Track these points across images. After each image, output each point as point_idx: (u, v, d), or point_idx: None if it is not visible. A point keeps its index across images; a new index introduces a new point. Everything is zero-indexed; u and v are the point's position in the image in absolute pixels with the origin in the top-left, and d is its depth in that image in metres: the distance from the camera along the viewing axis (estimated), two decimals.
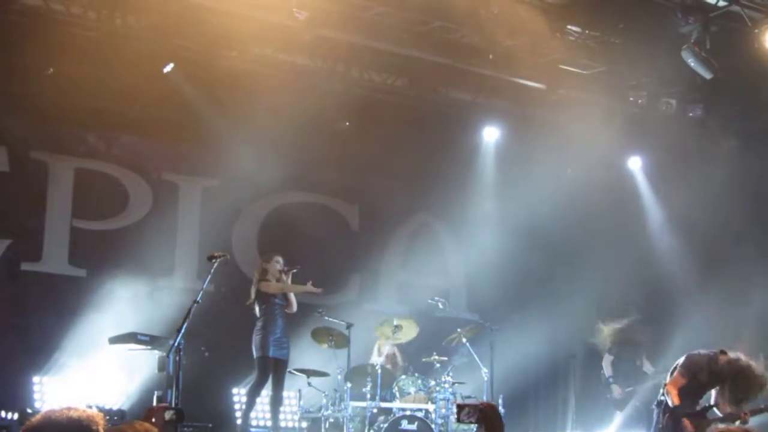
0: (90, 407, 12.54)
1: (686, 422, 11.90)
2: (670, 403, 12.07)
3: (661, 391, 12.39)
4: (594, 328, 17.58)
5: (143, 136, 17.05)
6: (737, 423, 11.69)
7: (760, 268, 17.38)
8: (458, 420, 6.27)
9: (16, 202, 16.18)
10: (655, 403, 12.54)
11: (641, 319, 17.00)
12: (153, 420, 6.61)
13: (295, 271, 14.75)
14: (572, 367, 17.30)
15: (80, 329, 15.35)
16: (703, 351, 12.25)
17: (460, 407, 6.21)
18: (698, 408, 12.10)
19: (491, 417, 6.13)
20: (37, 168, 16.49)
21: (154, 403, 14.08)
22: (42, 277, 16.27)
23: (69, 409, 4.27)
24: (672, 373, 12.24)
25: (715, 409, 12.09)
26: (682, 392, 12.06)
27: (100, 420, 4.27)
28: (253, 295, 14.55)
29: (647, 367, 16.86)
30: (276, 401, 14.67)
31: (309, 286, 14.91)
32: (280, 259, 14.81)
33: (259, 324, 14.52)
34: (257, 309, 14.54)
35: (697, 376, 12.07)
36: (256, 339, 14.45)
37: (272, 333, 14.44)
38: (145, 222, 17.10)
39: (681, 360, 12.24)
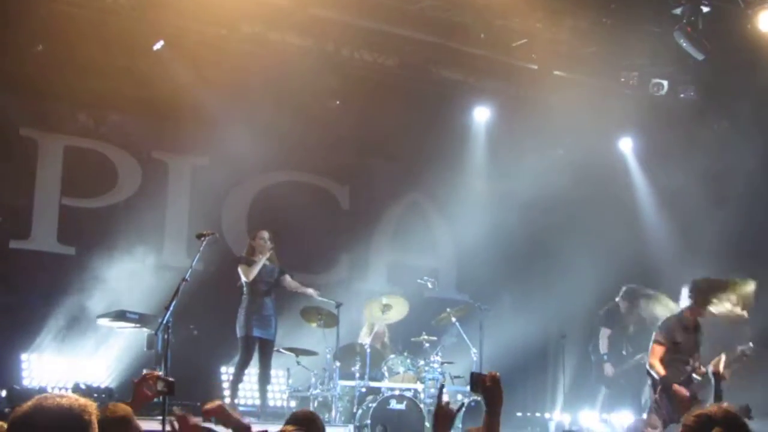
0: (78, 385, 12.60)
1: (676, 388, 12.10)
2: (656, 376, 12.23)
3: (646, 369, 12.55)
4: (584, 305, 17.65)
5: (133, 114, 17.01)
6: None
7: (749, 249, 17.44)
8: (472, 389, 6.30)
9: (5, 179, 16.14)
10: (648, 383, 12.69)
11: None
12: (144, 389, 6.59)
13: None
14: (562, 347, 17.27)
15: (69, 307, 15.36)
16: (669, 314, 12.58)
17: (475, 376, 6.26)
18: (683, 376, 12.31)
19: (494, 388, 6.16)
20: (27, 145, 16.49)
21: None
22: (30, 254, 16.27)
23: (61, 396, 4.22)
24: (650, 348, 12.46)
25: (694, 375, 12.31)
26: (665, 362, 12.28)
27: (93, 409, 4.22)
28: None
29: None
30: (263, 380, 14.71)
31: (311, 290, 15.04)
32: (265, 234, 14.80)
33: (243, 303, 14.54)
34: (244, 285, 14.55)
35: (674, 338, 12.30)
36: (240, 318, 14.48)
37: (256, 312, 14.45)
38: (135, 200, 17.10)
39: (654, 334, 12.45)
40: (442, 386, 7.28)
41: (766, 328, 14.35)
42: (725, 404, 9.08)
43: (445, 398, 6.03)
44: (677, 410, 12.05)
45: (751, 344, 12.34)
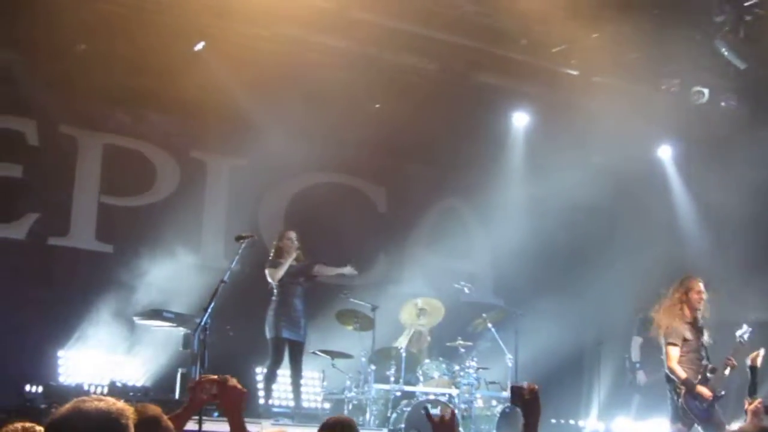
0: (114, 383, 12.65)
1: (700, 389, 12.19)
2: (677, 380, 12.30)
3: (666, 373, 12.58)
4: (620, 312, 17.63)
5: (172, 113, 17.06)
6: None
7: None
8: (512, 401, 6.34)
9: (45, 176, 16.27)
10: (668, 389, 12.72)
11: None
12: (200, 392, 6.55)
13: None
14: (598, 354, 17.21)
15: (106, 305, 15.38)
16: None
17: (516, 389, 6.30)
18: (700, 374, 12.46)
19: (532, 400, 6.20)
20: (67, 143, 16.58)
21: (178, 381, 14.17)
22: (69, 251, 16.37)
23: (99, 399, 4.22)
24: (664, 354, 12.52)
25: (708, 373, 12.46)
26: (682, 363, 12.33)
27: (130, 413, 4.23)
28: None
29: None
30: (295, 382, 14.76)
31: (348, 269, 15.02)
32: (292, 235, 14.87)
33: (272, 304, 14.61)
34: (273, 287, 14.60)
35: (683, 335, 12.36)
36: (269, 319, 14.55)
37: (285, 314, 14.50)
38: (173, 199, 17.16)
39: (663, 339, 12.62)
40: (426, 408, 7.26)
41: None
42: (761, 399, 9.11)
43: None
44: (703, 410, 12.19)
45: (745, 326, 12.33)
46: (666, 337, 12.65)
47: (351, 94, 16.71)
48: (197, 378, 6.70)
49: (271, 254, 14.87)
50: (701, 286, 12.84)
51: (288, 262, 14.65)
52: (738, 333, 12.28)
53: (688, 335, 12.58)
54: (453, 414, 6.65)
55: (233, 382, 6.37)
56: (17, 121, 16.23)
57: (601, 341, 17.21)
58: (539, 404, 6.23)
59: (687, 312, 12.70)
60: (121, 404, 4.20)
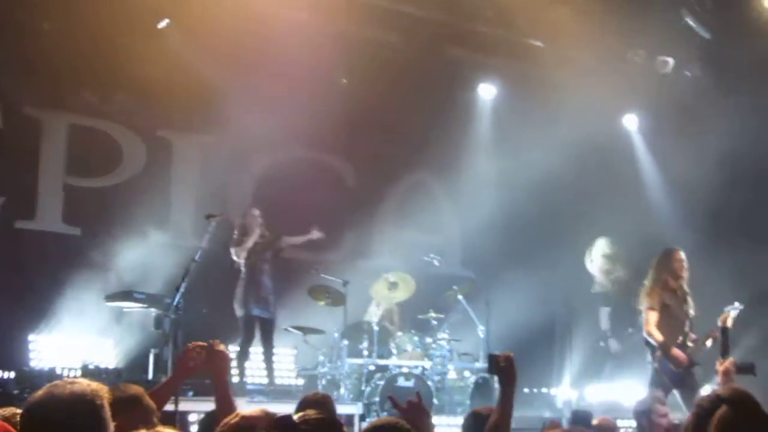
0: (87, 366, 12.58)
1: (675, 352, 12.32)
2: (654, 342, 12.43)
3: (644, 338, 12.71)
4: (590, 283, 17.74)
5: (138, 92, 16.85)
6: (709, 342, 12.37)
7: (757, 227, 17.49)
8: (489, 371, 6.48)
9: (9, 159, 16.04)
10: (648, 353, 12.85)
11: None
12: (188, 361, 6.57)
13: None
14: (569, 324, 17.31)
15: (76, 287, 15.30)
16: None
17: (493, 357, 6.42)
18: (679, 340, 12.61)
19: (508, 368, 6.33)
20: (30, 124, 16.41)
21: (151, 362, 14.10)
22: (36, 235, 16.20)
23: (72, 382, 4.23)
24: (643, 318, 12.72)
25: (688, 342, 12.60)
26: (661, 328, 12.47)
27: (104, 392, 4.23)
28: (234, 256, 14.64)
29: None
30: (267, 360, 14.80)
31: (313, 233, 15.01)
32: (256, 212, 14.86)
33: (241, 282, 14.62)
34: (240, 265, 14.59)
35: (664, 301, 12.50)
36: (238, 297, 14.59)
37: (254, 291, 14.51)
38: (140, 179, 17.03)
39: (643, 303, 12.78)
40: (391, 396, 7.30)
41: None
42: (732, 359, 9.18)
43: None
44: (677, 374, 12.32)
45: (736, 303, 12.40)
46: (646, 302, 12.79)
47: (318, 68, 16.66)
48: (181, 353, 6.70)
49: (236, 233, 14.83)
50: (682, 255, 13.00)
51: (252, 239, 14.63)
52: (726, 308, 12.33)
53: (669, 302, 12.71)
54: (419, 396, 6.70)
55: (221, 346, 6.46)
56: None
57: (571, 309, 17.30)
58: (515, 372, 6.35)
59: (669, 281, 12.81)
60: (95, 385, 4.21)
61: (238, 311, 14.59)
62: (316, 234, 15.15)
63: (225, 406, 6.29)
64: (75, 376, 12.64)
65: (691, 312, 12.89)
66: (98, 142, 16.92)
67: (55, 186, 16.51)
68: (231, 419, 5.64)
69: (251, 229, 14.69)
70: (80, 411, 4.08)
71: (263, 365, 15.11)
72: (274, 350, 15.14)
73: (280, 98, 16.62)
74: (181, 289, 11.57)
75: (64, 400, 4.09)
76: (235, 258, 14.62)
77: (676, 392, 12.57)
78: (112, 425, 4.23)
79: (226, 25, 15.59)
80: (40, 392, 4.17)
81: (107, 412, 4.18)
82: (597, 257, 17.85)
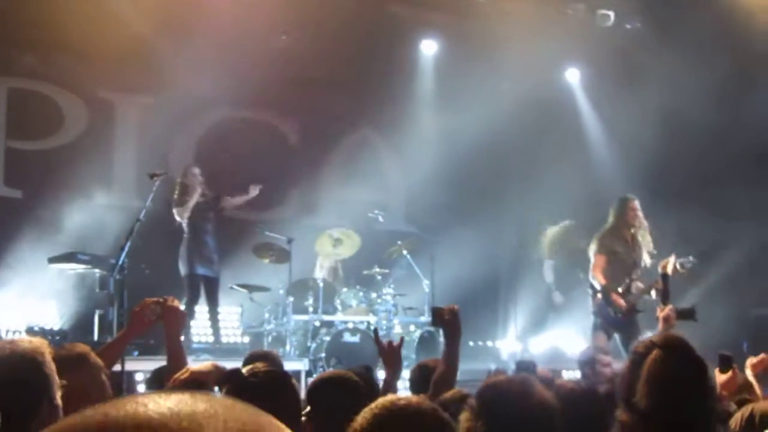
0: (31, 328, 12.54)
1: (614, 297, 12.47)
2: (597, 285, 12.57)
3: (589, 282, 12.87)
4: (534, 240, 17.85)
5: (76, 54, 16.75)
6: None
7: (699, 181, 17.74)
8: (433, 323, 6.59)
9: None
10: (590, 294, 13.02)
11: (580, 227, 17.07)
12: (144, 316, 6.63)
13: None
14: (512, 277, 17.43)
15: (19, 250, 15.24)
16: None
17: (436, 310, 6.52)
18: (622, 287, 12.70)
19: (453, 320, 6.44)
20: None
21: (96, 323, 14.09)
22: None
23: (10, 341, 4.24)
24: (591, 262, 12.88)
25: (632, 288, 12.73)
26: (606, 273, 12.62)
27: (45, 347, 4.24)
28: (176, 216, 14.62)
29: None
30: (213, 317, 14.82)
31: (252, 190, 14.99)
32: (197, 171, 14.81)
33: (184, 242, 14.60)
34: (183, 225, 14.58)
35: (612, 247, 12.67)
36: (182, 257, 14.56)
37: (197, 250, 14.51)
38: (82, 141, 16.97)
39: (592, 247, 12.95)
40: (376, 330, 7.41)
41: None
42: (672, 306, 9.31)
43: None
44: (616, 319, 12.47)
45: (691, 257, 12.52)
46: (595, 247, 12.95)
47: (257, 25, 16.60)
48: (136, 308, 6.75)
49: (176, 192, 14.80)
50: (636, 204, 13.15)
51: (194, 199, 14.60)
52: (679, 260, 12.41)
53: (618, 249, 12.86)
54: (401, 340, 6.86)
55: (175, 302, 6.54)
56: None
57: (513, 264, 17.42)
58: (459, 324, 6.43)
59: (622, 228, 12.97)
60: (35, 341, 4.21)
61: (183, 270, 14.58)
62: (253, 191, 15.10)
63: (177, 362, 6.36)
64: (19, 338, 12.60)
65: (643, 260, 12.99)
66: (39, 104, 16.85)
67: None
68: (181, 375, 5.71)
69: (192, 188, 14.66)
70: (22, 368, 4.08)
71: (208, 324, 15.14)
72: (219, 309, 15.17)
73: (219, 57, 16.57)
74: (126, 249, 11.55)
75: (4, 360, 4.10)
76: (177, 218, 14.59)
77: (617, 337, 12.73)
78: (57, 380, 4.24)
79: None
80: None
81: (51, 368, 4.19)
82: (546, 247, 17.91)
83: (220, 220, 15.17)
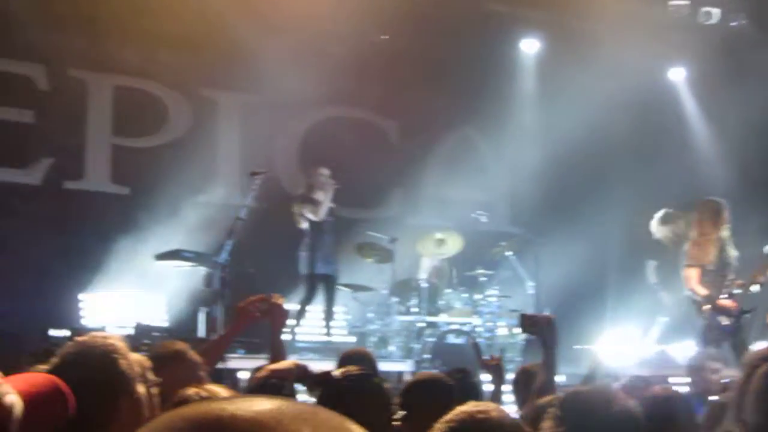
0: (138, 324, 12.67)
1: (722, 302, 12.30)
2: (699, 298, 12.35)
3: (688, 296, 12.65)
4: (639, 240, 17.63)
5: (181, 52, 16.91)
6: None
7: None
8: (523, 330, 6.54)
9: (57, 121, 16.24)
10: (693, 310, 12.82)
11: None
12: (251, 310, 6.68)
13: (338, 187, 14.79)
14: (619, 279, 17.20)
15: (125, 246, 15.40)
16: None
17: (525, 317, 6.45)
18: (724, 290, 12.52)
19: (549, 329, 6.39)
20: (77, 86, 16.55)
21: (200, 320, 14.18)
22: (85, 195, 16.42)
23: (83, 340, 4.24)
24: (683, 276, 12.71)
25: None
26: (704, 283, 12.40)
27: (119, 343, 4.23)
28: (301, 213, 14.60)
29: None
30: (328, 316, 14.82)
31: None
32: (325, 171, 14.79)
33: (306, 240, 14.57)
34: (305, 225, 14.57)
35: (704, 259, 12.42)
36: (303, 255, 14.54)
37: (319, 249, 14.49)
38: (186, 138, 17.14)
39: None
40: (477, 345, 7.38)
41: None
42: None
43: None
44: (728, 326, 12.23)
45: None
46: (686, 259, 12.72)
47: (359, 25, 16.63)
48: (247, 299, 6.80)
49: (301, 191, 14.83)
50: (722, 205, 12.88)
51: (328, 200, 14.62)
52: (766, 248, 12.20)
53: (710, 256, 12.60)
54: (501, 355, 6.86)
55: (281, 300, 6.59)
56: (27, 66, 16.21)
57: (620, 265, 17.21)
58: (556, 333, 6.41)
59: (710, 233, 12.71)
60: (111, 337, 4.20)
61: (303, 269, 14.62)
62: None
63: (279, 359, 6.38)
64: (127, 334, 12.75)
65: (734, 259, 12.75)
66: (144, 102, 17.06)
67: (102, 146, 16.71)
68: (260, 373, 5.71)
69: (321, 189, 14.67)
70: (95, 366, 4.08)
71: (313, 323, 15.17)
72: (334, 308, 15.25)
73: (322, 56, 16.61)
74: (227, 247, 11.59)
75: (78, 358, 4.09)
76: (311, 217, 14.58)
77: (726, 344, 12.48)
78: (138, 374, 4.22)
79: None
80: (61, 353, 4.19)
81: (127, 363, 4.16)
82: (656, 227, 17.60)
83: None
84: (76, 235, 15.84)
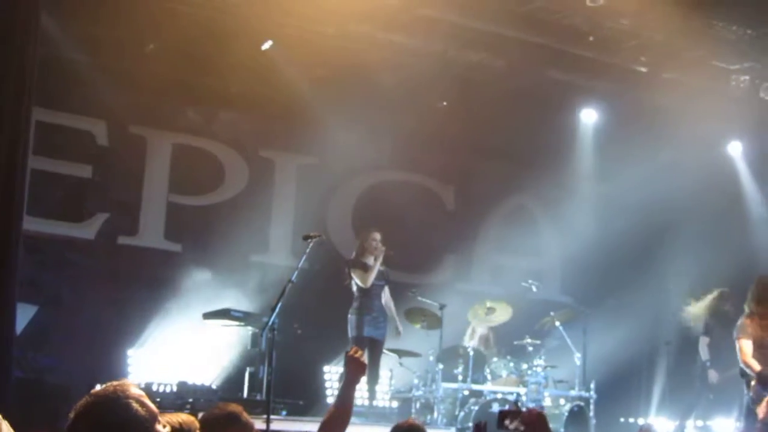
0: (183, 383, 12.71)
1: None
2: (752, 373, 12.23)
3: (741, 369, 12.52)
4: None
5: (241, 112, 17.16)
6: None
7: None
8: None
9: (115, 176, 16.48)
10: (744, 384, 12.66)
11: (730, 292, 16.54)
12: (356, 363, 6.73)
13: (391, 253, 14.77)
14: (667, 354, 17.05)
15: (175, 304, 15.50)
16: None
17: (502, 414, 5.99)
18: None
19: (538, 426, 5.88)
20: (136, 143, 16.73)
21: (246, 380, 14.22)
22: (138, 251, 16.52)
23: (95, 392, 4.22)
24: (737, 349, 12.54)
25: None
26: (756, 357, 12.27)
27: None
28: (352, 277, 14.61)
29: None
30: (372, 380, 14.75)
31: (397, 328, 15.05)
32: (378, 236, 14.79)
33: (355, 303, 14.57)
34: (354, 288, 14.58)
35: (757, 330, 12.30)
36: (351, 318, 14.52)
37: (368, 312, 14.48)
38: (241, 198, 17.26)
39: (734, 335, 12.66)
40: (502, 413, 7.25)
41: None
42: None
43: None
44: None
45: None
46: (739, 332, 12.61)
47: (418, 91, 16.72)
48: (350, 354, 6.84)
49: (353, 253, 14.86)
50: None
51: (377, 265, 14.61)
52: None
53: (763, 330, 12.50)
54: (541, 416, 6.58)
55: (358, 353, 6.66)
56: (87, 122, 16.38)
57: (669, 341, 17.05)
58: (547, 428, 5.89)
59: (761, 308, 12.61)
60: (125, 384, 4.17)
61: (351, 332, 14.56)
62: (397, 328, 15.19)
63: (346, 411, 6.55)
64: (171, 392, 12.84)
65: None
66: (202, 160, 17.20)
67: (158, 203, 16.82)
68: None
69: (372, 253, 14.68)
70: (107, 412, 4.05)
71: (361, 386, 15.14)
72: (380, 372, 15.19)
73: (380, 120, 16.73)
74: (277, 309, 11.62)
75: (93, 407, 4.08)
76: (359, 282, 14.58)
77: None
78: (151, 421, 4.19)
79: (328, 46, 15.62)
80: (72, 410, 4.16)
81: (140, 409, 4.12)
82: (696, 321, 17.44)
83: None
84: (127, 290, 15.97)
